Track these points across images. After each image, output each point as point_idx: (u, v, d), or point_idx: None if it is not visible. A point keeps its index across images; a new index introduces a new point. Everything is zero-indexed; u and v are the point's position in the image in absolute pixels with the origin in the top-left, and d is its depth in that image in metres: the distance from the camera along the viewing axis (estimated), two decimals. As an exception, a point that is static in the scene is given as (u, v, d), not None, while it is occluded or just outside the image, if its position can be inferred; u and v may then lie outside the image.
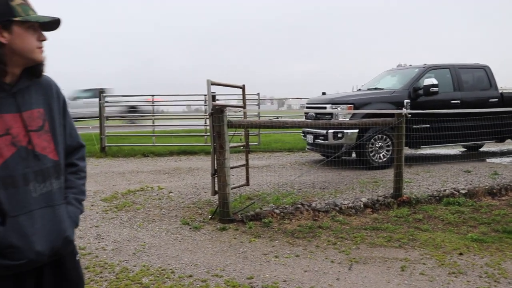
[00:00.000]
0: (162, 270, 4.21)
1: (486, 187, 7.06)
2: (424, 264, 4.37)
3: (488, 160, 10.58)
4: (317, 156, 11.32)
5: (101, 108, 12.61)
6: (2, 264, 1.66)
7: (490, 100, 10.47)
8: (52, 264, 1.84)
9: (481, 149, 12.35)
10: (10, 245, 1.66)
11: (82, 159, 2.07)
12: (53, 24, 1.79)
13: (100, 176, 8.90)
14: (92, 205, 6.52)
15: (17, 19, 1.68)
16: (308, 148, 10.71)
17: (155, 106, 14.14)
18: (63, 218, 1.84)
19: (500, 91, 10.93)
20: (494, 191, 6.99)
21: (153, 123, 13.76)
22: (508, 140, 11.11)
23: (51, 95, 1.88)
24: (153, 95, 13.37)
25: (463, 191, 6.84)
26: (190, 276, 4.07)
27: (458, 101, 10.08)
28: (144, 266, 4.31)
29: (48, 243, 1.76)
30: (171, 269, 4.22)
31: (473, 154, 11.34)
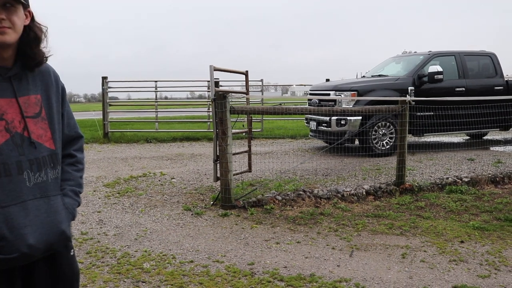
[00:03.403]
0: (163, 255, 4.23)
1: (489, 175, 7.03)
2: (425, 251, 4.37)
3: (492, 148, 10.53)
4: (320, 143, 11.30)
5: (104, 93, 12.60)
6: None
7: (495, 88, 10.38)
8: (45, 260, 1.75)
9: (485, 137, 12.30)
10: (0, 237, 1.57)
11: (80, 151, 1.97)
12: None
13: (103, 162, 8.92)
14: (94, 191, 6.54)
15: None
16: (311, 135, 10.69)
17: (158, 92, 14.10)
18: (58, 210, 1.75)
19: (506, 79, 10.83)
20: (497, 179, 6.97)
21: (156, 109, 13.74)
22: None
23: (49, 82, 1.80)
24: (156, 81, 13.33)
25: (466, 179, 6.82)
26: (191, 261, 4.09)
27: (463, 89, 10.01)
28: (145, 251, 4.33)
29: (41, 235, 1.66)
30: (172, 255, 4.24)
31: (477, 142, 11.28)
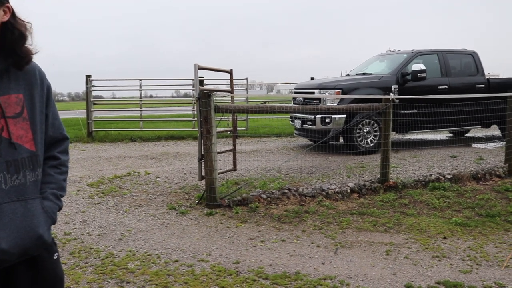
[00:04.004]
0: (148, 255, 4.21)
1: (471, 172, 7.13)
2: (408, 248, 4.42)
3: (474, 145, 10.68)
4: (305, 141, 11.34)
5: (88, 92, 12.48)
6: None
7: (477, 86, 10.53)
8: (26, 264, 1.69)
9: (467, 135, 12.46)
10: None
11: (65, 153, 1.89)
12: None
13: (87, 161, 8.84)
14: (78, 191, 6.49)
15: None
16: (296, 133, 10.72)
17: (143, 91, 14.01)
18: (36, 214, 1.68)
19: (487, 77, 10.98)
20: (479, 176, 7.06)
21: (141, 107, 13.65)
22: (494, 126, 11.21)
23: (34, 81, 1.72)
24: (140, 80, 13.24)
25: (449, 176, 6.90)
26: (176, 261, 4.08)
27: (446, 87, 10.12)
28: (130, 251, 4.30)
29: (16, 240, 1.60)
30: (157, 254, 4.22)
31: (459, 140, 11.44)
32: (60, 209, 1.81)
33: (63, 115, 21.15)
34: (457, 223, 5.13)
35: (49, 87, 1.81)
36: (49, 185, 1.78)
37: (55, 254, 1.82)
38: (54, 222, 1.77)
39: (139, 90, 13.53)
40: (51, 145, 1.83)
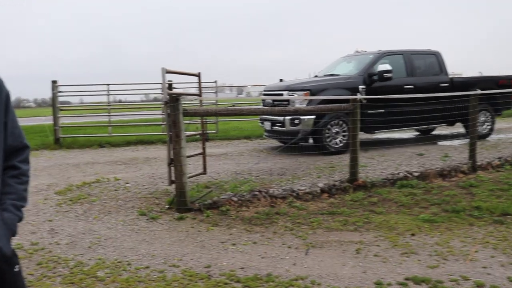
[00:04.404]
0: (118, 262, 4.15)
1: (437, 169, 7.30)
2: (378, 246, 4.49)
3: (439, 143, 10.94)
4: (275, 142, 11.40)
5: (54, 98, 12.24)
6: None
7: (441, 85, 10.79)
8: None
9: (433, 133, 12.75)
10: None
11: (26, 162, 1.84)
12: None
13: (54, 169, 8.66)
14: (45, 199, 6.35)
15: None
16: (265, 135, 10.76)
17: (111, 96, 13.81)
18: None
19: (451, 76, 11.27)
20: (445, 172, 7.24)
21: (109, 112, 13.46)
22: (458, 124, 11.52)
23: None
24: (108, 84, 13.04)
25: (416, 174, 7.05)
26: (147, 267, 4.04)
27: (411, 86, 10.33)
28: (99, 259, 4.24)
29: None
30: (127, 261, 4.17)
31: (426, 138, 11.70)
32: (20, 220, 1.76)
33: (29, 121, 20.74)
34: (424, 219, 5.24)
35: (7, 95, 1.75)
36: (9, 195, 1.73)
37: (16, 266, 1.77)
38: (14, 234, 1.72)
39: (107, 95, 13.34)
40: (11, 155, 1.77)
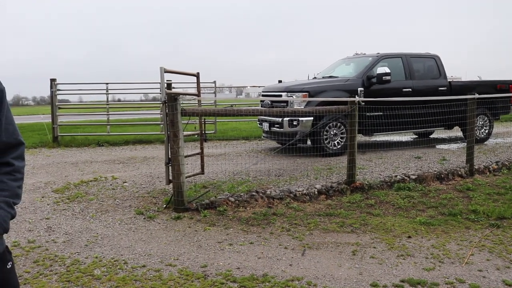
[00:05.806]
0: (115, 261, 4.16)
1: (435, 172, 7.32)
2: (374, 247, 4.51)
3: (437, 146, 10.96)
4: (273, 144, 11.40)
5: (53, 96, 12.23)
6: None
7: (440, 88, 10.81)
8: None
9: (431, 136, 12.77)
10: None
11: (20, 158, 1.80)
12: None
13: (52, 167, 8.66)
14: (43, 197, 6.35)
15: None
16: (264, 136, 10.77)
17: (110, 95, 13.81)
18: None
19: (449, 80, 11.30)
20: (442, 176, 7.26)
21: (108, 111, 13.45)
22: (456, 127, 11.54)
23: None
24: (107, 83, 13.03)
25: (413, 177, 7.07)
26: (144, 266, 4.04)
27: (410, 89, 10.36)
28: (96, 257, 4.24)
29: None
30: (124, 260, 4.18)
31: (424, 141, 11.72)
32: (13, 217, 1.74)
33: (27, 119, 20.70)
34: (421, 222, 5.26)
35: (2, 91, 1.73)
36: (1, 192, 1.70)
37: (9, 263, 1.75)
38: (6, 231, 1.69)
39: (106, 94, 13.34)
40: (5, 151, 1.75)
